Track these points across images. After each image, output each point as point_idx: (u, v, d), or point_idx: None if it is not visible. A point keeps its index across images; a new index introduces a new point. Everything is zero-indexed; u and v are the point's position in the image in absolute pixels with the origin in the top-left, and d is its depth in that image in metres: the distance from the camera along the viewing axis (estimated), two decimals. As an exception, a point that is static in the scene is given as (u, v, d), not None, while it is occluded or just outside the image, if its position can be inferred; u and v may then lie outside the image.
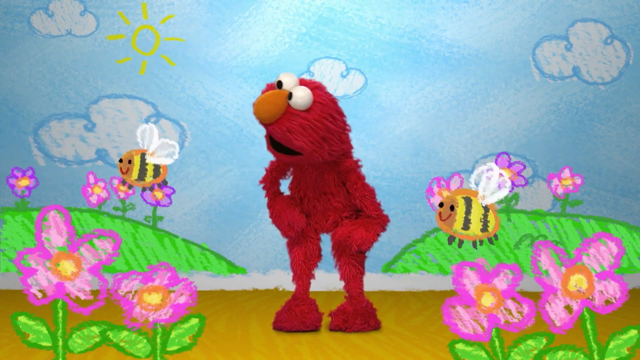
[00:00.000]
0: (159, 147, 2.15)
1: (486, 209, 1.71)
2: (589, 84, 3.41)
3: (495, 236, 1.74)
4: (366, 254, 2.27)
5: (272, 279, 3.30)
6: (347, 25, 3.39)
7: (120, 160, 2.21)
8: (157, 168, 2.18)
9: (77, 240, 1.20)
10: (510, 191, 3.35)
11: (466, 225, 1.71)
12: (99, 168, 3.30)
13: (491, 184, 1.69)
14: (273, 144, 2.06)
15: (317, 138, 2.02)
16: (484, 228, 1.72)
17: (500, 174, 1.69)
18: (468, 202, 1.71)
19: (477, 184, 1.71)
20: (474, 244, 1.75)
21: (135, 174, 2.16)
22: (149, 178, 2.17)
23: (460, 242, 1.74)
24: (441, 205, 1.73)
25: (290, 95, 1.99)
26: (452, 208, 1.71)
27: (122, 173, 2.19)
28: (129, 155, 2.17)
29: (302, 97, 1.99)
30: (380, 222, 2.20)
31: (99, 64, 3.35)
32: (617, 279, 1.15)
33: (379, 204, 2.23)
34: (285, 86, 2.01)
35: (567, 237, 3.32)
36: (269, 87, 2.07)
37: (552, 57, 3.41)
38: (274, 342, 2.01)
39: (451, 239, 1.73)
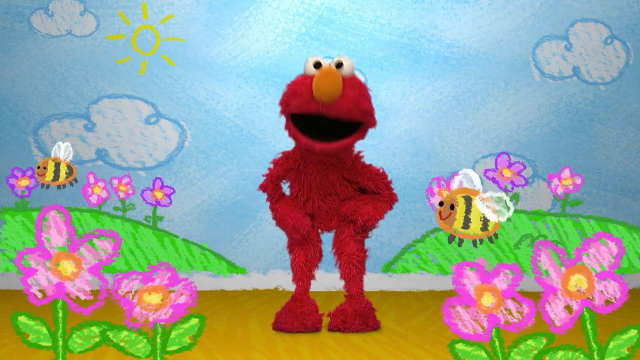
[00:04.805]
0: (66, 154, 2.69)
1: None
2: (589, 84, 3.41)
3: (496, 235, 1.74)
4: (367, 253, 2.27)
5: (272, 279, 3.30)
6: (347, 25, 3.39)
7: (38, 167, 2.73)
8: (69, 170, 2.72)
9: (77, 240, 1.20)
10: (510, 191, 3.36)
11: (466, 224, 1.71)
12: (99, 168, 3.30)
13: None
14: (321, 133, 2.02)
15: (369, 97, 2.05)
16: (484, 227, 1.72)
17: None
18: (468, 201, 1.71)
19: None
20: (474, 243, 1.75)
21: (49, 176, 2.70)
22: (62, 178, 2.71)
23: (460, 241, 1.74)
24: (441, 204, 1.73)
25: (339, 65, 1.98)
26: (452, 207, 1.72)
27: (39, 175, 2.71)
28: (44, 162, 2.71)
29: (349, 63, 2.00)
30: (389, 200, 2.21)
31: (99, 64, 3.35)
32: (617, 279, 1.15)
33: (390, 182, 2.23)
34: (323, 63, 1.99)
35: (567, 237, 3.32)
36: (303, 78, 2.01)
37: (552, 57, 3.41)
38: (274, 342, 2.01)
39: (451, 238, 1.74)
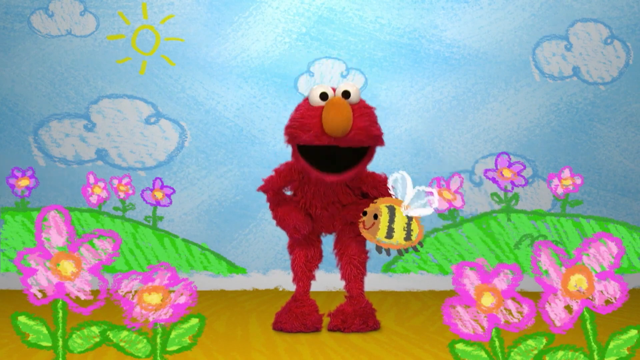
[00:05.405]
0: None
1: (409, 217, 1.72)
2: (589, 84, 3.41)
3: (420, 244, 1.75)
4: (368, 255, 2.27)
5: (272, 279, 3.30)
6: (347, 25, 3.39)
7: None
8: None
9: (77, 240, 1.20)
10: (510, 191, 3.35)
11: (389, 234, 1.72)
12: (99, 168, 3.30)
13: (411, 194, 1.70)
14: (330, 165, 2.03)
15: (376, 119, 2.07)
16: (407, 237, 1.73)
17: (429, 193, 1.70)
18: (392, 210, 1.72)
19: (395, 190, 1.71)
20: (400, 252, 1.77)
21: None
22: None
23: (388, 251, 1.75)
24: (364, 213, 1.75)
25: (346, 95, 2.00)
26: (375, 217, 1.73)
27: None
28: None
29: (355, 89, 2.03)
30: None
31: (99, 64, 3.35)
32: (617, 279, 1.15)
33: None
34: (329, 94, 2.01)
35: (567, 237, 3.32)
36: (308, 109, 2.02)
37: (552, 57, 3.41)
38: (274, 342, 2.01)
39: (379, 249, 1.75)
